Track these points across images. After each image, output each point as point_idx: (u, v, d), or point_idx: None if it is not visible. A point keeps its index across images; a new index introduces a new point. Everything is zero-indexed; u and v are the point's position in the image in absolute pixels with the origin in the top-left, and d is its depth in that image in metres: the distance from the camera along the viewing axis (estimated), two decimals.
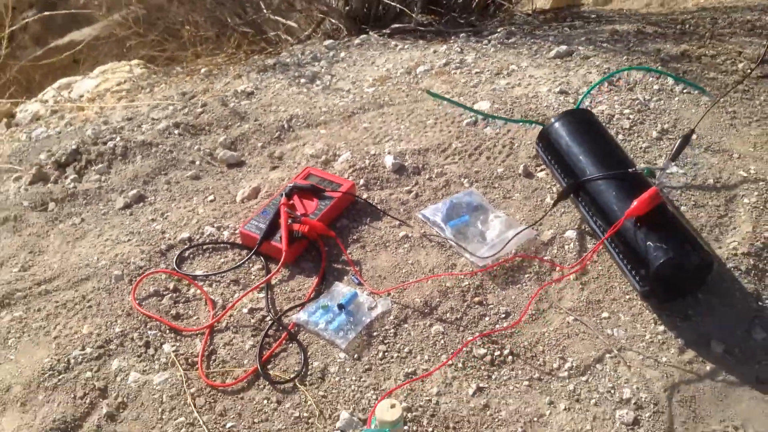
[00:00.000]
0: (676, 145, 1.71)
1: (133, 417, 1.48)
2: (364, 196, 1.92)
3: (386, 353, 1.56)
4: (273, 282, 1.73)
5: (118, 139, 2.31)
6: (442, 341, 1.57)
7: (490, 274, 1.69)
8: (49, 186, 2.17)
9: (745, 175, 1.87)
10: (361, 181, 1.97)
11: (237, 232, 1.85)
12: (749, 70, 2.21)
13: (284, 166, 2.12)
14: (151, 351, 1.60)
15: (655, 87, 2.18)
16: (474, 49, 2.58)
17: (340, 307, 1.59)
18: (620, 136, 2.01)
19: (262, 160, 2.18)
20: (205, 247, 1.84)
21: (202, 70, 3.02)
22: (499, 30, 2.71)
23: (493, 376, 1.51)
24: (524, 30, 2.71)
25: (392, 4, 2.98)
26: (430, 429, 1.42)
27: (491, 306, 1.63)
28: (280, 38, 3.73)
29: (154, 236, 1.90)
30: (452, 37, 2.72)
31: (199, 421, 1.46)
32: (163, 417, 1.47)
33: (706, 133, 2.00)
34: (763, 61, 2.27)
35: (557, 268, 1.69)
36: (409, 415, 1.43)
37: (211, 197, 2.04)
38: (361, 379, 1.51)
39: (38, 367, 1.57)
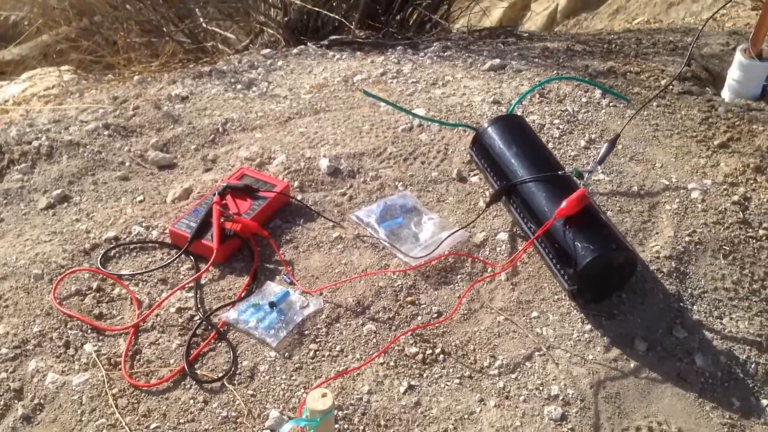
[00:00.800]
0: (603, 149, 1.76)
1: (50, 419, 1.42)
2: (299, 197, 1.91)
3: (318, 352, 1.54)
4: (203, 281, 1.69)
5: (44, 139, 2.23)
6: (374, 340, 1.56)
7: (423, 275, 1.69)
8: None
9: (667, 183, 1.94)
10: (296, 183, 1.95)
11: (166, 231, 1.81)
12: (668, 82, 2.30)
13: (218, 168, 2.09)
14: (71, 351, 1.54)
15: (584, 100, 2.25)
16: (411, 60, 2.61)
17: (272, 305, 1.57)
18: (550, 145, 2.06)
19: (195, 162, 2.14)
20: (132, 246, 1.79)
21: (135, 78, 2.96)
22: (435, 44, 2.75)
23: (425, 374, 1.51)
24: (459, 45, 2.76)
25: (331, 15, 2.99)
26: (362, 427, 1.41)
27: (423, 306, 1.63)
28: (217, 48, 3.69)
29: (78, 236, 1.83)
30: (389, 49, 2.76)
31: (121, 422, 1.40)
32: (83, 419, 1.41)
33: (630, 144, 2.07)
34: (684, 78, 2.38)
35: (488, 267, 1.71)
36: (339, 413, 1.42)
37: (140, 197, 1.99)
38: (292, 378, 1.49)
39: None
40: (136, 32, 3.76)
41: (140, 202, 1.97)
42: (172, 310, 1.61)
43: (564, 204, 1.58)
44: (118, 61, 3.46)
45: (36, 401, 1.44)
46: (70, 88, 3.16)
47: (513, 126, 1.87)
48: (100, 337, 1.57)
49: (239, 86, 2.54)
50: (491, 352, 1.54)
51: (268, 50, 2.93)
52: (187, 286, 1.67)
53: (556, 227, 1.60)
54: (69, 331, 1.58)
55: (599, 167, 1.82)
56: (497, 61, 2.50)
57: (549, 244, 1.63)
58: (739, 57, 2.25)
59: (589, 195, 1.64)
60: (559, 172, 1.70)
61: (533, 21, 5.31)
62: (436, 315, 1.61)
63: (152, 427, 1.39)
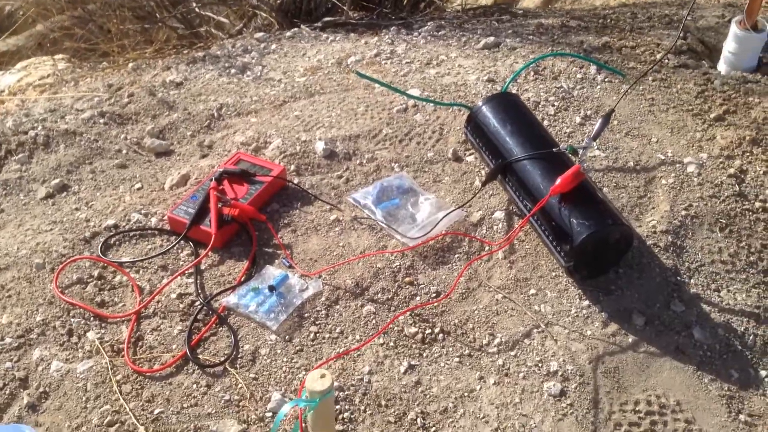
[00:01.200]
0: (597, 124, 1.76)
1: (55, 406, 1.44)
2: (296, 181, 1.91)
3: (318, 334, 1.55)
4: (203, 267, 1.70)
5: (40, 128, 2.23)
6: (374, 321, 1.57)
7: (420, 255, 1.71)
8: None
9: (663, 157, 1.94)
10: (292, 167, 1.96)
11: (165, 218, 1.81)
12: (662, 56, 2.30)
13: (214, 153, 2.09)
14: (74, 339, 1.56)
15: (579, 76, 2.24)
16: (404, 40, 2.60)
17: (271, 288, 1.58)
18: (546, 122, 2.06)
19: (192, 148, 2.14)
20: (131, 233, 1.80)
21: (130, 65, 2.96)
22: (429, 23, 2.74)
23: (425, 354, 1.52)
24: (453, 24, 2.75)
25: None
26: (363, 407, 1.43)
27: (422, 286, 1.64)
28: (210, 33, 3.68)
29: (78, 224, 1.84)
30: (383, 30, 2.74)
31: (125, 408, 1.42)
32: (88, 406, 1.43)
33: (626, 119, 2.07)
34: (679, 52, 2.37)
35: (485, 246, 1.72)
36: (341, 394, 1.44)
37: (139, 185, 2.00)
38: (293, 360, 1.50)
39: None
40: (129, 19, 3.74)
41: (138, 189, 1.98)
42: (173, 296, 1.63)
43: (559, 181, 1.59)
44: (112, 48, 3.45)
45: (41, 389, 1.46)
46: (65, 77, 3.15)
47: (507, 104, 1.87)
48: (103, 325, 1.59)
49: (233, 71, 2.54)
50: (490, 330, 1.56)
51: (261, 34, 2.92)
52: (187, 272, 1.68)
53: (551, 204, 1.60)
54: (72, 320, 1.59)
55: (594, 143, 1.83)
56: (491, 39, 2.49)
57: (545, 222, 1.63)
58: (734, 29, 2.24)
59: (585, 171, 1.64)
60: (554, 149, 1.71)
61: None
62: (434, 295, 1.62)
63: (156, 412, 1.41)
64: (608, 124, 1.80)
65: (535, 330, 1.56)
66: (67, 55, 3.76)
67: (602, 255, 1.61)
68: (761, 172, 1.90)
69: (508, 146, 1.76)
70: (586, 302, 1.60)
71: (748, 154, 1.96)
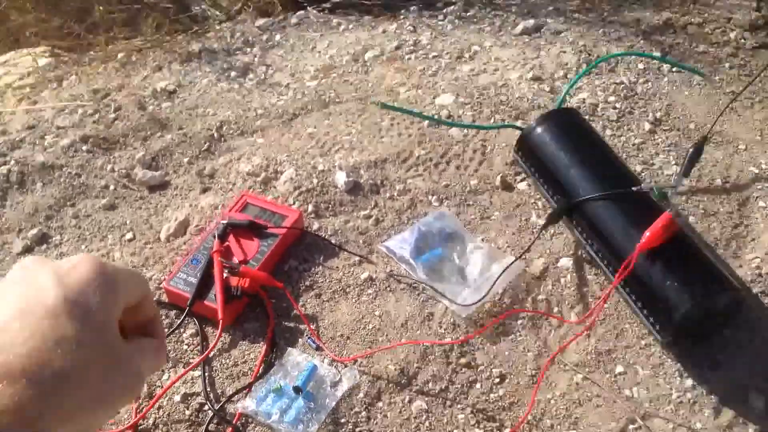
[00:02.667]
0: (687, 156, 1.42)
1: None
2: (315, 226, 1.60)
3: None
4: (210, 353, 1.40)
5: (13, 162, 1.91)
6: (427, 422, 1.27)
7: (475, 323, 1.39)
8: None
9: (756, 171, 1.60)
10: (310, 207, 1.64)
11: (162, 285, 1.51)
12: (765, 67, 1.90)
13: (216, 187, 1.77)
14: None
15: (640, 66, 1.88)
16: (428, 26, 2.23)
17: (297, 390, 1.28)
18: (608, 131, 1.72)
19: (190, 179, 1.82)
20: None
21: (119, 56, 2.63)
22: (456, 2, 2.36)
23: None
24: (483, 0, 2.37)
25: None
26: None
27: (482, 368, 1.33)
28: (206, 14, 3.31)
29: None
30: (402, 12, 2.37)
31: None
32: None
33: (704, 121, 1.72)
34: (755, 27, 2.00)
35: (563, 323, 1.39)
36: None
37: (130, 234, 1.69)
38: None
39: None
40: (114, 3, 3.38)
41: (129, 241, 1.67)
42: (177, 398, 1.33)
43: (647, 235, 1.26)
44: (98, 40, 3.10)
45: None
46: (48, 74, 2.82)
47: (567, 124, 1.52)
48: None
49: (233, 73, 2.19)
50: (573, 428, 1.25)
51: (263, 21, 2.55)
52: (189, 361, 1.38)
53: (639, 263, 1.28)
54: None
55: (684, 180, 1.48)
56: (531, 21, 2.12)
57: (632, 284, 1.31)
58: None
59: (677, 219, 1.31)
60: (634, 188, 1.37)
61: None
62: (498, 380, 1.31)
63: None
64: (701, 155, 1.45)
65: (630, 426, 1.25)
66: (48, 48, 3.42)
67: (707, 324, 1.29)
68: None
69: (573, 181, 1.43)
70: (690, 381, 1.29)
71: None
